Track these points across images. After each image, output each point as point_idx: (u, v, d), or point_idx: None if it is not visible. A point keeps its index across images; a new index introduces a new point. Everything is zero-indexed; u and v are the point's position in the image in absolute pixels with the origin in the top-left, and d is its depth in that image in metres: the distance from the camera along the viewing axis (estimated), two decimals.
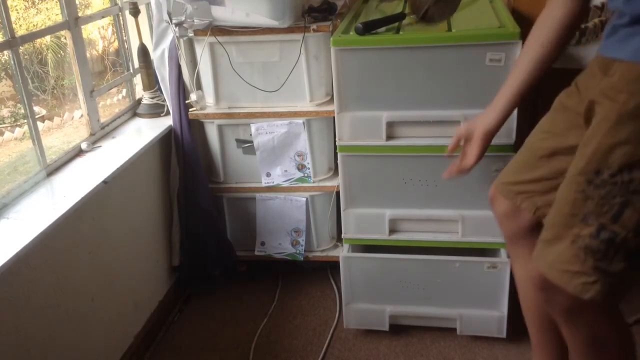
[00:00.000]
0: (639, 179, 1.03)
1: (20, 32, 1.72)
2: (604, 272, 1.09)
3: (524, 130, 1.73)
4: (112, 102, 2.78)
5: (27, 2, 2.68)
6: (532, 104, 2.04)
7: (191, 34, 1.98)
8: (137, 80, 2.34)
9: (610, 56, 1.12)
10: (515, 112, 1.55)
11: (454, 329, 1.99)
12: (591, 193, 1.08)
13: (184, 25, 1.95)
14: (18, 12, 2.60)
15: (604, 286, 1.09)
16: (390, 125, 1.85)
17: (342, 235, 2.03)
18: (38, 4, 2.70)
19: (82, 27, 2.01)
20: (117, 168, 1.83)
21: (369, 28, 1.77)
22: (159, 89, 2.25)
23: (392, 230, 1.98)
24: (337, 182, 2.09)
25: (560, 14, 1.28)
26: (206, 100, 2.15)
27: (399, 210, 1.96)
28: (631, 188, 1.04)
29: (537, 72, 1.33)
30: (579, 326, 1.23)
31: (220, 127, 2.16)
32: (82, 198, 1.66)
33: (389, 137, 1.86)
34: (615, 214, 1.06)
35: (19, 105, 2.32)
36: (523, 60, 1.35)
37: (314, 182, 2.19)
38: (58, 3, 1.93)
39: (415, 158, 1.88)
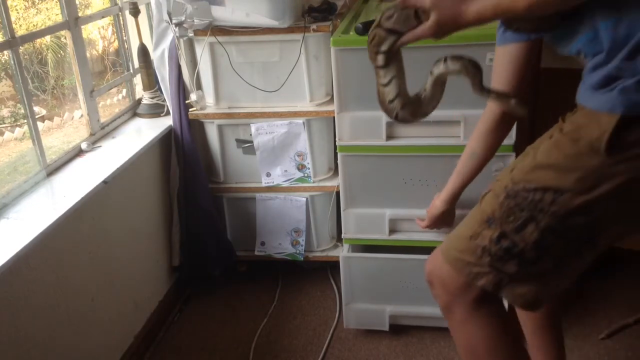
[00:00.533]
0: (549, 201, 1.07)
1: (20, 32, 1.72)
2: (497, 270, 1.14)
3: (523, 131, 1.73)
4: (112, 102, 2.77)
5: (27, 2, 2.67)
6: (532, 104, 2.04)
7: (191, 34, 1.98)
8: (137, 80, 2.34)
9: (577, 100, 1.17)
10: None
11: None
12: (503, 200, 1.13)
13: (184, 25, 1.95)
14: (18, 12, 2.60)
15: (496, 279, 1.14)
16: (390, 125, 1.84)
17: (342, 235, 2.03)
18: (38, 4, 2.70)
19: (82, 27, 2.01)
20: (117, 168, 1.83)
21: (369, 28, 1.76)
22: (159, 89, 2.25)
23: (392, 230, 1.98)
24: (337, 182, 2.09)
25: (488, 117, 1.44)
26: (206, 100, 2.15)
27: (399, 210, 1.96)
28: (539, 207, 1.08)
29: (474, 167, 1.53)
30: (455, 329, 1.27)
31: (220, 127, 2.16)
32: (82, 198, 1.66)
33: (389, 137, 1.86)
34: (518, 225, 1.10)
35: (19, 105, 2.31)
36: (464, 155, 1.54)
37: (314, 182, 2.19)
38: (58, 3, 1.93)
39: (415, 158, 1.88)
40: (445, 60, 1.18)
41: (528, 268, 1.12)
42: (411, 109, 1.25)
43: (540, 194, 1.08)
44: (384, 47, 1.20)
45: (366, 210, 1.97)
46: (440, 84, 1.23)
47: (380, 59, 1.21)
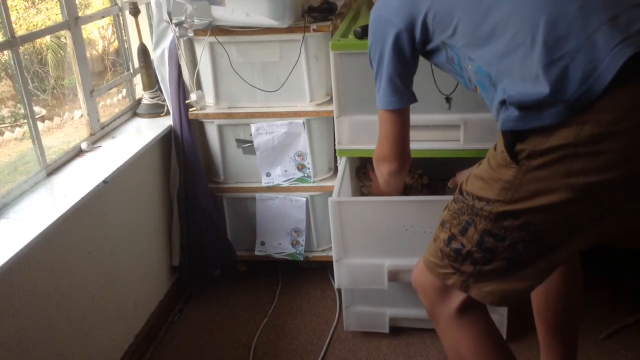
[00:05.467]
0: (479, 207, 1.15)
1: (20, 32, 1.72)
2: (458, 270, 1.22)
3: None
4: (112, 102, 2.78)
5: (27, 2, 2.68)
6: None
7: (191, 34, 1.98)
8: (137, 80, 2.34)
9: None
10: None
11: None
12: (450, 205, 1.24)
13: (184, 25, 1.95)
14: (18, 12, 2.61)
15: (462, 278, 1.22)
16: None
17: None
18: (38, 4, 2.71)
19: (82, 27, 2.01)
20: (117, 168, 1.83)
21: (367, 32, 1.76)
22: (159, 89, 2.25)
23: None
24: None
25: None
26: (206, 100, 2.15)
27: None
28: (475, 210, 1.17)
29: None
30: (440, 333, 1.36)
31: (220, 127, 2.16)
32: (82, 198, 1.66)
33: None
34: (462, 228, 1.19)
35: (19, 105, 2.32)
36: None
37: (314, 182, 2.19)
38: (58, 3, 1.93)
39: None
40: None
41: (483, 267, 1.18)
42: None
43: (477, 201, 1.16)
44: (364, 190, 2.02)
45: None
46: None
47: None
